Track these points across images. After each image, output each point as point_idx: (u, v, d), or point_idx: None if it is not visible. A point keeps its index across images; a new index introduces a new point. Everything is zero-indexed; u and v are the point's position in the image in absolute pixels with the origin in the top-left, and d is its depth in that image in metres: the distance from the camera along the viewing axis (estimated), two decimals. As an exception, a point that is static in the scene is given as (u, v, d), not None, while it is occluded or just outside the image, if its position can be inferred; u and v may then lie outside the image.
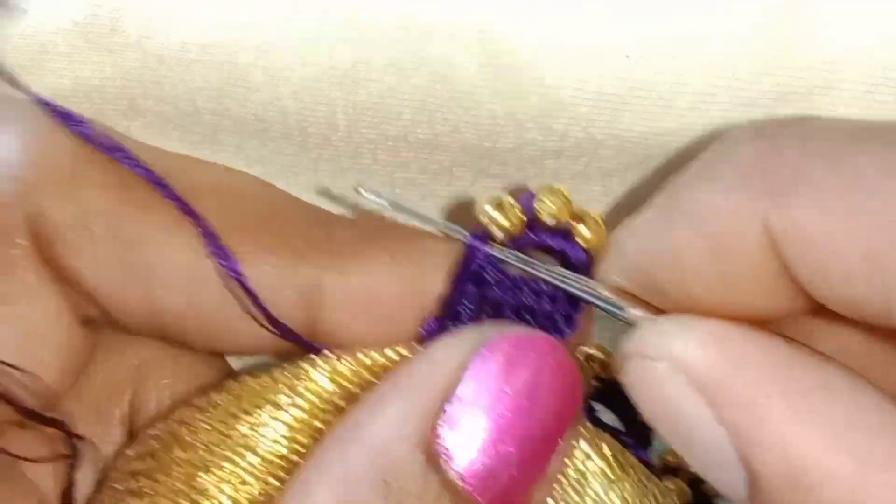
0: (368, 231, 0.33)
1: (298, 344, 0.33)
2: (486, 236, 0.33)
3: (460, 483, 0.29)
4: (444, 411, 0.29)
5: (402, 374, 0.31)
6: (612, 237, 0.32)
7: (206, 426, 0.32)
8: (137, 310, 0.33)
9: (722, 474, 0.28)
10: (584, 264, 0.32)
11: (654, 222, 0.30)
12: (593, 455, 0.32)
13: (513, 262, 0.32)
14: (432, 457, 0.29)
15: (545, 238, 0.33)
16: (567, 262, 0.32)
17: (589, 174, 0.36)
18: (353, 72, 0.34)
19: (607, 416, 0.35)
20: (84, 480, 0.34)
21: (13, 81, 0.32)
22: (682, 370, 0.28)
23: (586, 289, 0.32)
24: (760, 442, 0.26)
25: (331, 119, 0.35)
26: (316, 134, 0.35)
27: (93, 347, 0.34)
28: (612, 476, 0.32)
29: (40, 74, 0.34)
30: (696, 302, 0.29)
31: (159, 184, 0.32)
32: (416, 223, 0.33)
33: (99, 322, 0.34)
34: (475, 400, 0.29)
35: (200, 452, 0.32)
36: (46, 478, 0.34)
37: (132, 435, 0.35)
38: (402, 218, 0.34)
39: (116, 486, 0.33)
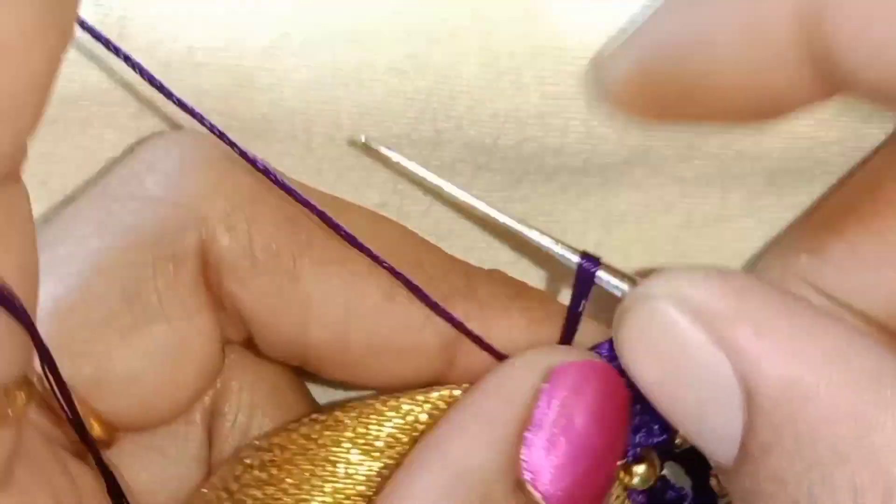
0: (506, 289, 0.35)
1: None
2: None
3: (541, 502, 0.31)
4: (526, 436, 0.31)
5: (478, 398, 0.33)
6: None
7: (332, 443, 0.34)
8: (287, 341, 0.34)
9: (718, 412, 0.29)
10: None
11: (682, 4, 0.30)
12: None
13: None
14: (517, 480, 0.31)
15: None
16: None
17: (588, 169, 0.37)
18: (357, 73, 0.35)
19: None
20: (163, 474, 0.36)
21: (194, 114, 0.33)
22: (688, 305, 0.29)
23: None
24: (759, 355, 0.28)
25: (335, 119, 0.35)
26: (321, 133, 0.36)
27: (221, 370, 0.35)
28: None
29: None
30: (716, 92, 0.30)
31: (329, 221, 0.33)
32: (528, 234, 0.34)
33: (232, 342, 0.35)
34: (553, 424, 0.31)
35: (327, 467, 0.34)
36: (151, 481, 0.35)
37: (211, 435, 0.36)
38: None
39: (235, 494, 0.34)
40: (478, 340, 0.34)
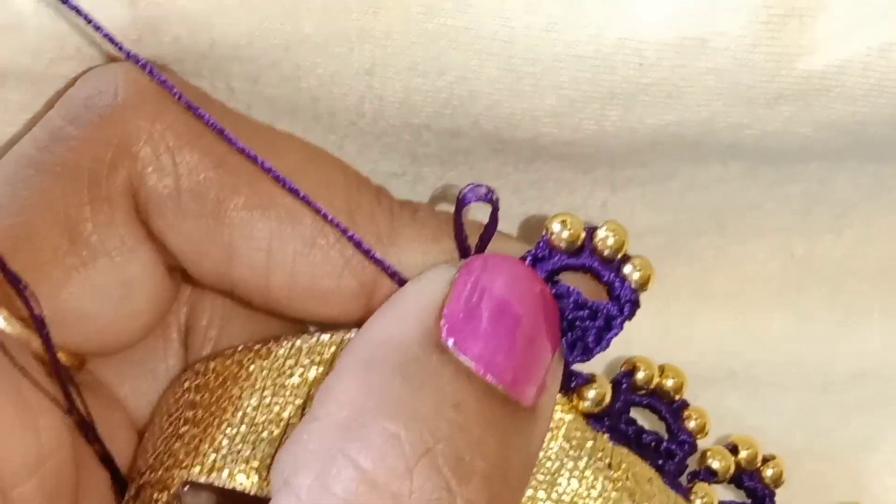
0: (428, 230, 0.35)
1: None
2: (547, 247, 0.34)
3: (472, 365, 0.31)
4: (445, 309, 0.32)
5: (398, 293, 0.34)
6: None
7: (263, 372, 0.35)
8: (213, 277, 0.35)
9: None
10: (631, 301, 0.34)
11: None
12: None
13: None
14: (437, 345, 0.32)
15: (598, 266, 0.34)
16: (613, 295, 0.34)
17: (598, 157, 0.39)
18: (380, 70, 0.36)
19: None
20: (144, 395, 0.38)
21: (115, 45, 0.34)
22: None
23: None
24: None
25: (358, 108, 0.37)
26: (344, 118, 0.37)
27: (177, 292, 0.37)
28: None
29: (84, 64, 0.36)
30: None
31: (257, 161, 0.34)
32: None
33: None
34: (468, 299, 0.32)
35: (255, 395, 0.35)
36: (133, 394, 0.38)
37: (187, 349, 0.38)
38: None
39: (173, 412, 0.36)
40: (399, 282, 0.35)
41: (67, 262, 0.34)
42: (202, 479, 0.34)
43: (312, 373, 0.34)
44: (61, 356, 0.34)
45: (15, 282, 0.32)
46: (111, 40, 0.34)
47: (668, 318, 0.43)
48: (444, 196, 0.41)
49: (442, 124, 0.37)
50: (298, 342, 0.35)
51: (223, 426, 0.34)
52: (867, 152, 0.40)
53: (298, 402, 0.34)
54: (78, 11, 0.34)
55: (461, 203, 0.34)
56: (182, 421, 0.35)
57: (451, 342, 0.31)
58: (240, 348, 0.36)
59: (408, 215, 0.36)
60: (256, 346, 0.35)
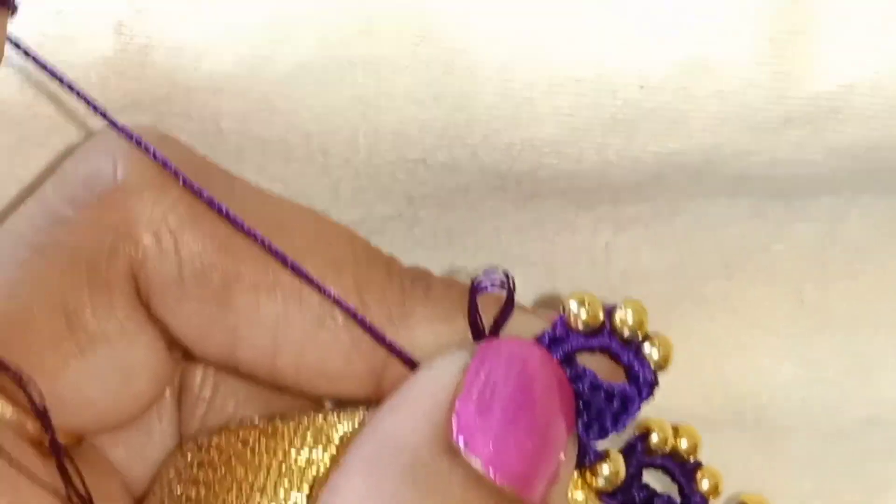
0: (440, 310, 0.34)
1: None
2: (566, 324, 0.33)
3: (481, 469, 0.30)
4: (456, 403, 0.31)
5: (409, 383, 0.32)
6: None
7: (268, 452, 0.34)
8: (216, 358, 0.34)
9: None
10: (650, 383, 0.33)
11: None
12: None
13: None
14: (448, 447, 0.30)
15: (616, 347, 0.33)
16: (632, 376, 0.33)
17: (600, 190, 0.37)
18: (375, 100, 0.35)
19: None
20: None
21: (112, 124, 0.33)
22: None
23: None
24: None
25: (352, 143, 0.36)
26: (337, 156, 0.36)
27: (177, 365, 0.36)
28: None
29: (69, 99, 0.35)
30: None
31: (264, 243, 0.33)
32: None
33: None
34: (480, 393, 0.31)
35: (260, 476, 0.33)
36: (128, 457, 0.36)
37: (180, 409, 0.37)
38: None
39: (175, 489, 0.35)
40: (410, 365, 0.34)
41: (65, 348, 0.33)
42: None
43: (319, 454, 0.33)
44: (59, 437, 0.32)
45: (12, 372, 0.30)
46: (105, 116, 0.33)
47: (675, 361, 0.42)
48: (447, 241, 0.40)
49: (438, 158, 0.36)
50: (305, 421, 0.34)
51: None
52: (880, 185, 0.39)
53: (305, 486, 0.33)
54: (61, 81, 0.33)
55: (475, 290, 0.33)
56: (185, 499, 0.34)
57: (461, 443, 0.30)
58: (244, 424, 0.35)
59: (420, 293, 0.34)
60: (261, 424, 0.34)
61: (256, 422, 0.34)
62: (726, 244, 0.40)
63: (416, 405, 0.31)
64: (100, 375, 0.33)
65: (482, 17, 0.34)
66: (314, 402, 0.36)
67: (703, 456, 0.36)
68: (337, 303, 0.33)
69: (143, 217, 0.33)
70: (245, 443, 0.34)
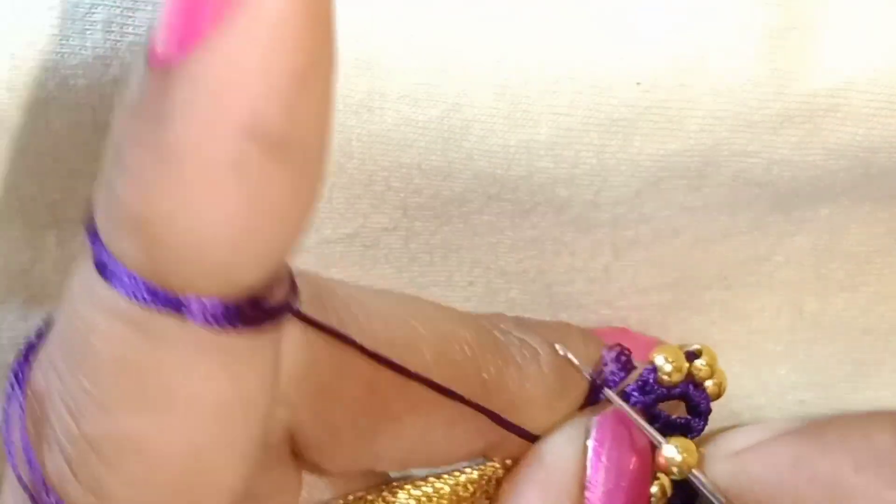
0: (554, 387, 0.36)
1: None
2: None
3: None
4: (586, 497, 0.33)
5: (531, 468, 0.35)
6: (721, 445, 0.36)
7: None
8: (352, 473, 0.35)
9: None
10: (707, 412, 0.37)
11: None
12: None
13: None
14: None
15: (693, 393, 0.37)
16: (693, 408, 0.37)
17: (598, 203, 0.37)
18: (368, 101, 0.35)
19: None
20: None
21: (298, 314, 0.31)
22: None
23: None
24: None
25: (346, 147, 0.35)
26: (331, 162, 0.36)
27: None
28: None
29: (63, 105, 0.34)
30: None
31: (404, 371, 0.33)
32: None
33: None
34: (605, 481, 0.34)
35: None
36: None
37: None
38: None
39: None
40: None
41: None
42: None
43: None
44: None
45: None
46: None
47: None
48: (443, 257, 0.39)
49: (433, 162, 0.36)
50: (417, 492, 0.35)
51: None
52: (879, 192, 0.38)
53: None
54: None
55: (597, 387, 0.36)
56: None
57: None
58: (350, 497, 0.35)
59: (534, 369, 0.35)
60: (369, 497, 0.35)
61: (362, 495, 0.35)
62: (725, 258, 0.40)
63: (543, 491, 0.34)
64: None
65: (476, 18, 0.34)
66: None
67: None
68: (470, 405, 0.34)
69: (296, 387, 0.32)
70: None
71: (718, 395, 0.37)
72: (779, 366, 0.42)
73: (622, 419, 0.35)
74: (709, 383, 0.37)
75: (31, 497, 0.29)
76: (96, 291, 0.27)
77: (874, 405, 0.42)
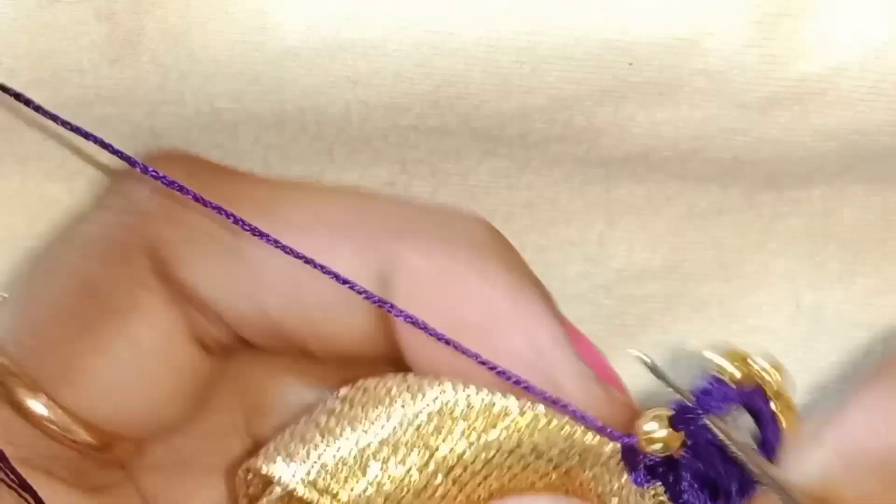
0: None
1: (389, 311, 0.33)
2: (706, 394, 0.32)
3: None
4: None
5: None
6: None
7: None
8: (251, 315, 0.34)
9: None
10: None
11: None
12: None
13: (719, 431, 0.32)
14: None
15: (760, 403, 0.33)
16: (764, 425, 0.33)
17: (590, 159, 0.38)
18: (366, 79, 0.35)
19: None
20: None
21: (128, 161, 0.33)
22: None
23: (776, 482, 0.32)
24: None
25: (345, 115, 0.36)
26: (331, 125, 0.37)
27: (217, 374, 0.36)
28: None
29: (62, 88, 0.35)
30: None
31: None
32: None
33: (227, 348, 0.36)
34: None
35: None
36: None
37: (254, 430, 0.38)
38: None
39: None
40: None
41: (83, 319, 0.34)
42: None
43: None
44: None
45: None
46: (122, 156, 0.33)
47: (673, 363, 0.42)
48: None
49: (430, 123, 0.37)
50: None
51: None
52: (871, 175, 0.39)
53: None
54: (77, 131, 0.34)
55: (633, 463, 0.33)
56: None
57: None
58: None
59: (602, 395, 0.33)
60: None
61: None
62: (720, 240, 0.40)
63: None
64: (118, 356, 0.35)
65: (469, -3, 0.34)
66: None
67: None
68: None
69: (154, 201, 0.35)
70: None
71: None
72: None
73: None
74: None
75: None
76: None
77: None
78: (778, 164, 0.37)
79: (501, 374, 0.32)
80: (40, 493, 0.32)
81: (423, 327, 0.32)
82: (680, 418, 0.32)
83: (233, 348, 0.36)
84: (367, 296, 0.33)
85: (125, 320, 0.35)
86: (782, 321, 0.42)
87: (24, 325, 0.35)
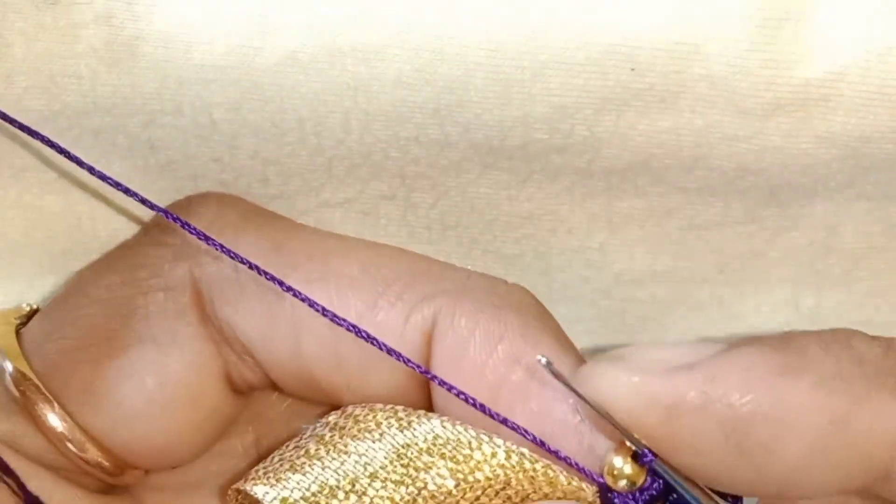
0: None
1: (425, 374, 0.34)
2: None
3: None
4: None
5: None
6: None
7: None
8: (287, 359, 0.35)
9: None
10: None
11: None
12: None
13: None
14: None
15: None
16: None
17: (592, 171, 0.38)
18: (366, 85, 0.35)
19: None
20: None
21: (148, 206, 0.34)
22: None
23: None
24: None
25: (344, 125, 0.36)
26: (330, 137, 0.37)
27: (238, 413, 0.36)
28: None
29: (59, 94, 0.35)
30: None
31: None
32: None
33: (255, 388, 0.36)
34: None
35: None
36: None
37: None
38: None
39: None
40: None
41: (113, 344, 0.34)
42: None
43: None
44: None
45: None
46: (151, 205, 0.34)
47: None
48: (441, 233, 0.40)
49: (431, 135, 0.36)
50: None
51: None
52: (874, 191, 0.38)
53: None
54: (105, 179, 0.34)
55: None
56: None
57: None
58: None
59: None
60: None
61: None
62: (721, 249, 0.40)
63: None
64: (139, 375, 0.34)
65: (469, 2, 0.34)
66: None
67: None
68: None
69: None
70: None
71: None
72: None
73: None
74: None
75: None
76: None
77: None
78: (780, 174, 0.37)
79: (539, 442, 0.32)
80: (41, 494, 0.32)
81: (464, 397, 0.33)
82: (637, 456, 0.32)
83: (260, 389, 0.36)
84: (412, 365, 0.33)
85: (159, 350, 0.35)
86: (782, 322, 0.42)
87: (54, 341, 0.35)
